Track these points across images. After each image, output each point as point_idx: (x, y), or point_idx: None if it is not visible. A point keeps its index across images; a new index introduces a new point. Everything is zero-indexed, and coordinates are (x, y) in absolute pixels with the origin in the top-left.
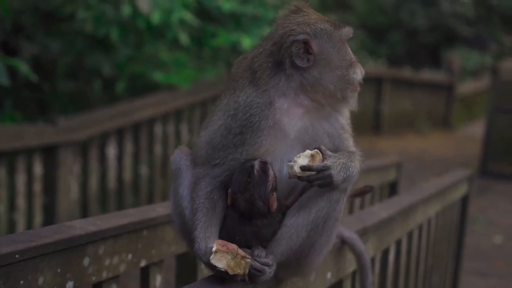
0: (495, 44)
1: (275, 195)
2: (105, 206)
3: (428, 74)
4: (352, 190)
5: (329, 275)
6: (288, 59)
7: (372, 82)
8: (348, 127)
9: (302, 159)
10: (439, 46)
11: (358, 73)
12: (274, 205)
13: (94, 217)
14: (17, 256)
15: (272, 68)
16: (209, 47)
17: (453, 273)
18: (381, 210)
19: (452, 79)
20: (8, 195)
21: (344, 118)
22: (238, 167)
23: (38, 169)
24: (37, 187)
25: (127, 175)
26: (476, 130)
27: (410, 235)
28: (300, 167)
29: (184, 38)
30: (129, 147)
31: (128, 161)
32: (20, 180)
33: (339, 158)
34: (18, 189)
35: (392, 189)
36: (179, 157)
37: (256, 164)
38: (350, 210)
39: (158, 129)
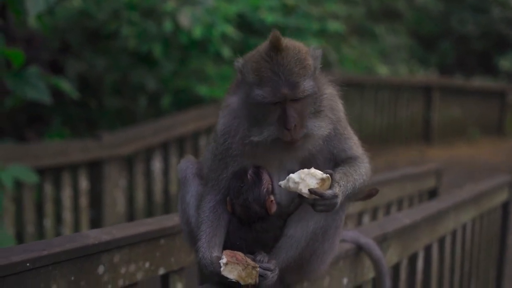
0: None
1: (272, 198)
2: None
3: (479, 81)
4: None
5: (345, 280)
6: None
7: (421, 91)
8: (344, 130)
9: (310, 180)
10: (491, 52)
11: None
12: (273, 208)
13: (110, 227)
14: (28, 264)
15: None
16: None
17: (496, 280)
18: (404, 217)
19: (505, 86)
20: (55, 209)
21: (339, 124)
22: (233, 174)
23: (84, 183)
24: (84, 201)
25: (173, 188)
26: None
27: (441, 241)
28: (309, 190)
29: (226, 51)
30: (174, 161)
31: (173, 174)
32: (66, 194)
33: (347, 182)
34: (64, 203)
35: (432, 197)
36: (186, 166)
37: (250, 169)
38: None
39: (202, 142)
